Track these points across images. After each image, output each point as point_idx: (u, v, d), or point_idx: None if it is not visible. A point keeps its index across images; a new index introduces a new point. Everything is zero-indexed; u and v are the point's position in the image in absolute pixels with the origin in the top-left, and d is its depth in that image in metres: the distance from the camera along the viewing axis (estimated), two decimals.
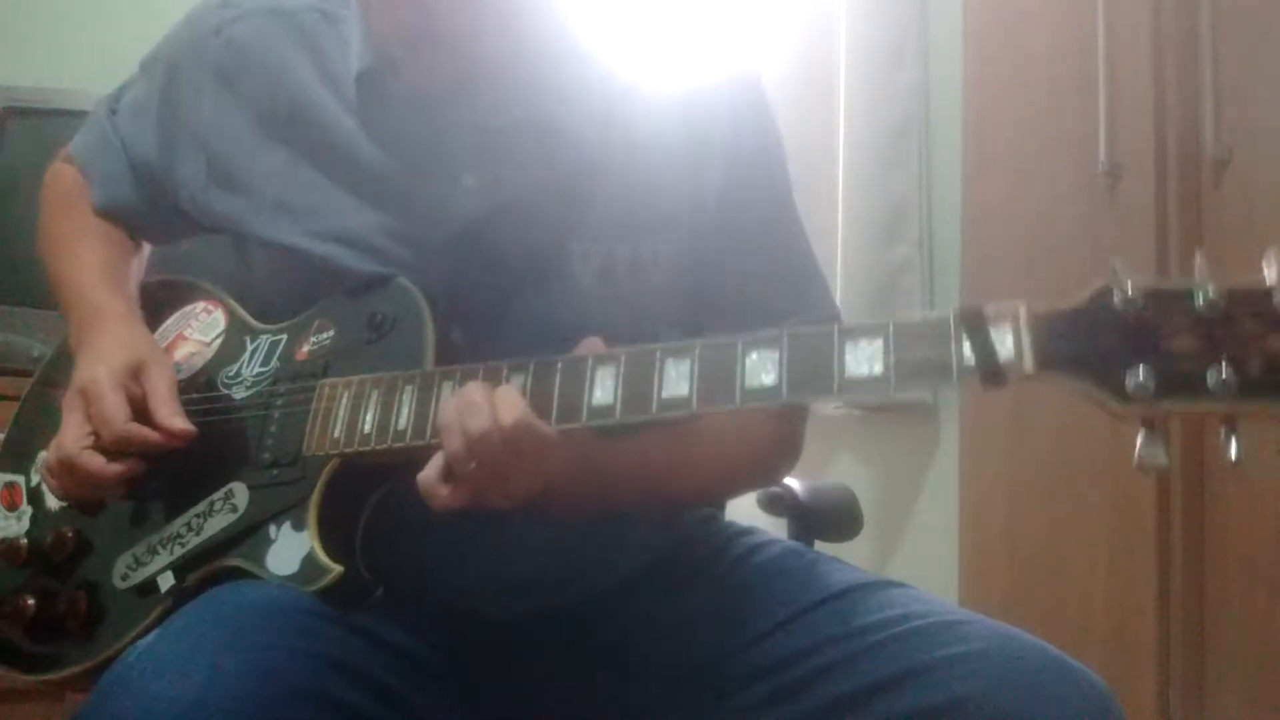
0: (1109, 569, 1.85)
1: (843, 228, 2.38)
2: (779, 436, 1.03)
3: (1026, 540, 2.05)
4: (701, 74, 1.04)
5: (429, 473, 0.82)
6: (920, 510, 2.39)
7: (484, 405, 0.80)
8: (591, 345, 0.84)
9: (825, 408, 2.30)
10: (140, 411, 0.94)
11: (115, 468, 0.93)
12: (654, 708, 0.93)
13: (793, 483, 1.23)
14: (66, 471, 0.94)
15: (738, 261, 1.01)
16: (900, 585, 0.90)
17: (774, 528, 1.13)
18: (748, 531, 1.06)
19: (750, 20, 2.49)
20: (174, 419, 0.93)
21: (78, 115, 1.97)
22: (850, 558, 0.99)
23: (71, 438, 0.93)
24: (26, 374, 1.75)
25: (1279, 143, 1.64)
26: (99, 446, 0.93)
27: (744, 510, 1.18)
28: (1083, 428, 1.86)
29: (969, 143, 2.30)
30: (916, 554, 2.36)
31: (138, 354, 0.97)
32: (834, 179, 2.40)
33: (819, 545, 1.16)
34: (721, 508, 1.16)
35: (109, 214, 1.11)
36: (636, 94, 1.01)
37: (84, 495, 0.97)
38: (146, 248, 1.15)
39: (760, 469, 1.07)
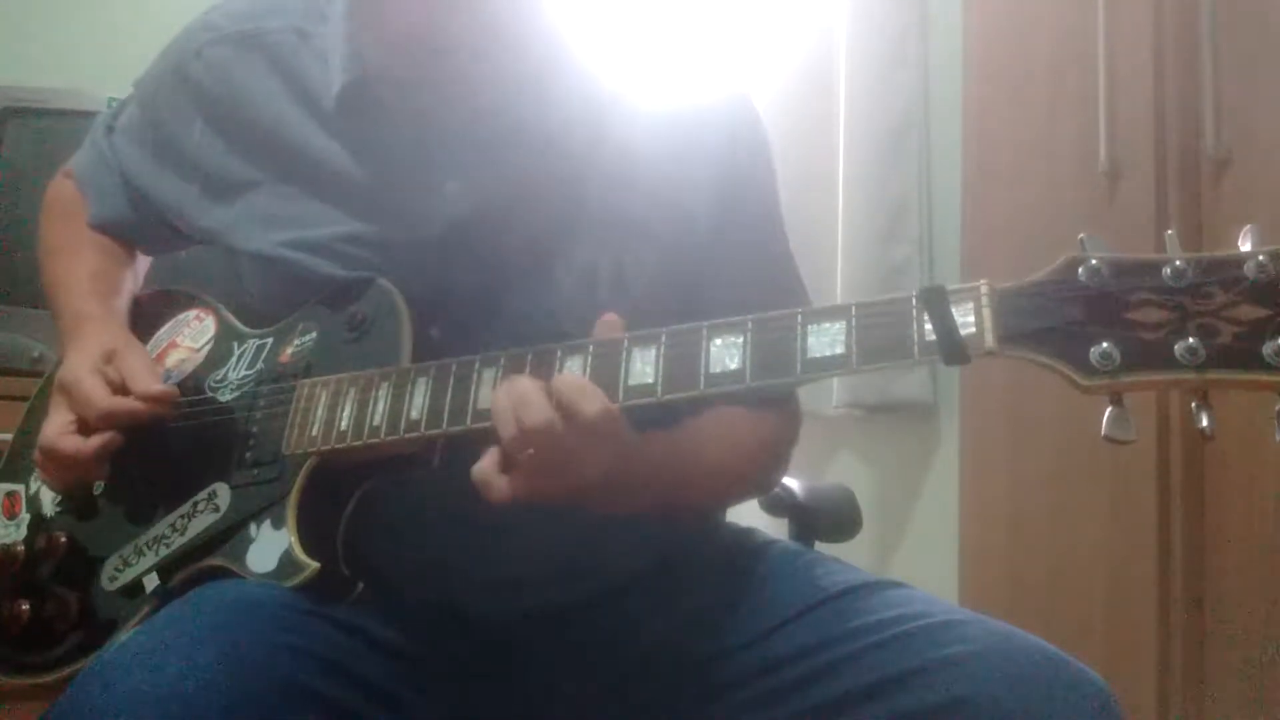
0: (1109, 569, 1.85)
1: (843, 228, 2.38)
2: (775, 442, 1.04)
3: (1027, 540, 2.05)
4: (693, 92, 1.06)
5: (484, 464, 0.82)
6: (920, 510, 2.39)
7: (538, 396, 0.79)
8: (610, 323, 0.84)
9: (825, 408, 2.30)
10: (120, 392, 0.96)
11: (92, 443, 0.95)
12: (651, 707, 0.93)
13: (793, 483, 1.24)
14: (48, 459, 0.97)
15: (726, 278, 1.01)
16: (900, 585, 0.90)
17: (774, 528, 1.13)
18: (747, 532, 1.06)
19: (751, 20, 2.49)
20: (152, 384, 0.96)
21: (78, 115, 1.99)
22: (850, 558, 0.99)
23: (54, 427, 0.97)
24: (26, 374, 1.76)
25: (1279, 143, 1.64)
26: (83, 431, 0.95)
27: (744, 511, 1.18)
28: (1083, 427, 1.85)
29: (969, 143, 2.30)
30: (916, 554, 2.36)
31: (109, 343, 1.00)
32: (834, 179, 2.40)
33: (819, 545, 1.16)
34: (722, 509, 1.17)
35: (103, 228, 1.14)
36: (624, 106, 1.02)
37: (69, 480, 0.99)
38: (144, 258, 1.18)
39: (756, 478, 1.08)
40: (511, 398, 0.80)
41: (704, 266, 1.01)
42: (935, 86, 2.42)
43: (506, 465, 0.81)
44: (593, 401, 0.79)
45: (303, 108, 1.01)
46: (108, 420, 0.95)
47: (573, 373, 0.82)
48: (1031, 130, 2.10)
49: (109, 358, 0.98)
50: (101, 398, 0.95)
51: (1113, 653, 1.78)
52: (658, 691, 0.93)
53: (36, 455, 0.98)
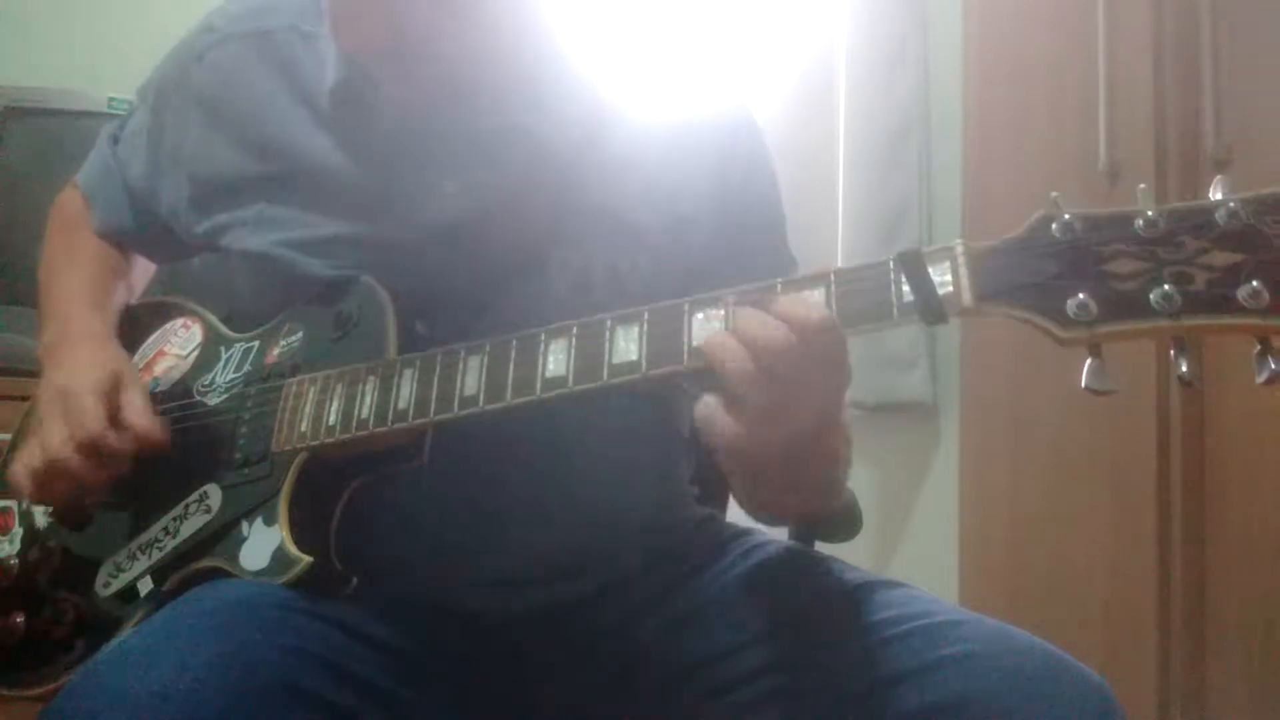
0: (1109, 569, 1.85)
1: (843, 228, 2.39)
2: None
3: (1027, 540, 2.05)
4: (690, 98, 1.07)
5: (710, 402, 0.76)
6: (920, 510, 2.39)
7: (766, 318, 0.74)
8: None
9: None
10: (115, 422, 0.95)
11: (107, 472, 0.94)
12: (649, 706, 0.93)
13: None
14: (52, 474, 0.95)
15: (725, 284, 1.01)
16: (900, 585, 0.90)
17: (774, 528, 1.13)
18: (747, 532, 1.06)
19: (752, 22, 2.49)
20: (149, 425, 0.95)
21: (78, 115, 1.99)
22: (850, 558, 0.99)
23: (56, 439, 0.94)
24: (27, 374, 1.75)
25: (1279, 143, 1.64)
26: (82, 449, 0.94)
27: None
28: (1083, 427, 1.86)
29: (969, 143, 2.30)
30: (916, 554, 2.36)
31: (111, 369, 0.99)
32: (834, 179, 2.40)
33: (819, 545, 1.16)
34: (722, 508, 1.17)
35: (107, 237, 1.15)
36: (621, 111, 1.03)
37: (67, 499, 0.98)
38: (139, 270, 1.18)
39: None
40: (736, 330, 0.75)
41: (701, 273, 1.01)
42: (935, 86, 2.42)
43: (730, 406, 0.75)
44: (814, 309, 0.74)
45: (302, 107, 1.01)
46: (94, 446, 0.94)
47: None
48: (1031, 130, 2.11)
49: (114, 382, 0.97)
50: (98, 421, 0.94)
51: (1113, 653, 1.79)
52: (655, 691, 0.93)
53: (36, 465, 0.95)
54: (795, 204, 1.11)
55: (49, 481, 0.96)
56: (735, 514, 1.16)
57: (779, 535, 1.09)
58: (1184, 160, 1.76)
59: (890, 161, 2.39)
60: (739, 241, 1.03)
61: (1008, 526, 2.11)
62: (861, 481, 1.10)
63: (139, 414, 0.96)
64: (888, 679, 0.80)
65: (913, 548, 2.38)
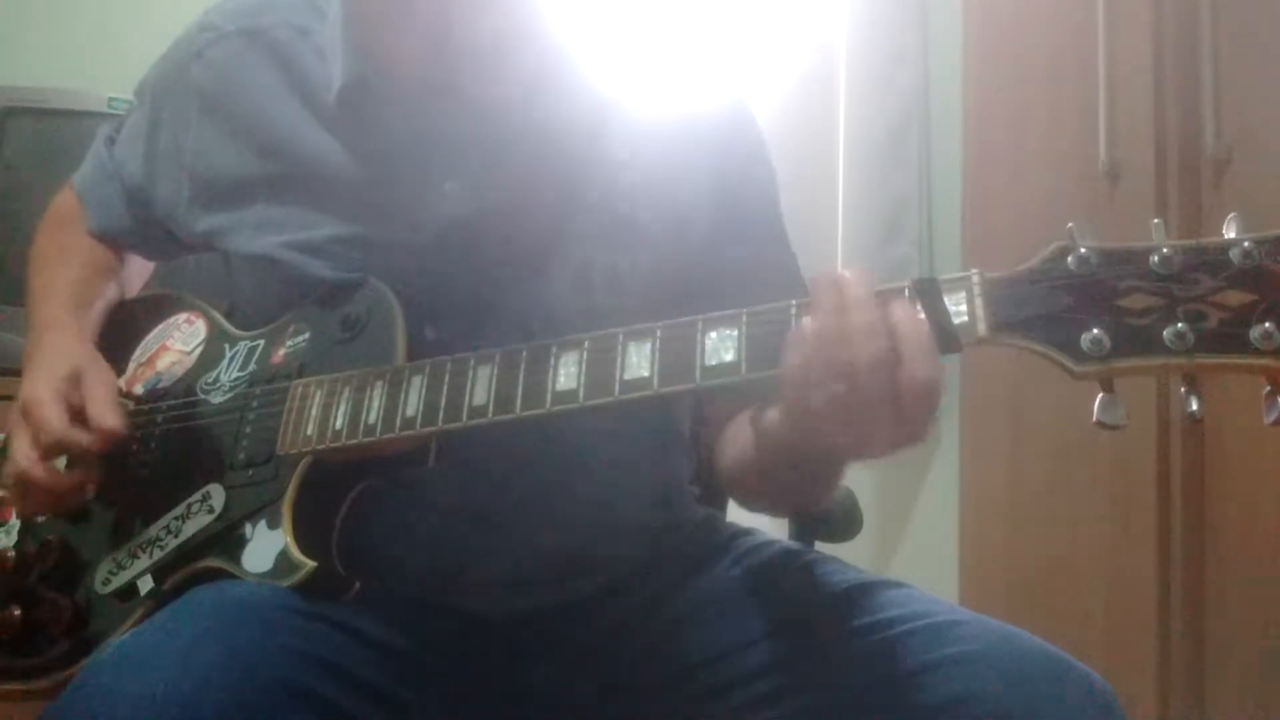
0: (1109, 569, 1.85)
1: (843, 228, 2.39)
2: None
3: (1027, 540, 2.05)
4: (689, 96, 1.06)
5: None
6: (920, 510, 2.39)
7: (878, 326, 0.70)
8: None
9: None
10: (79, 417, 0.96)
11: (72, 478, 0.95)
12: (650, 706, 0.93)
13: None
14: (19, 487, 0.95)
15: (723, 282, 1.01)
16: (900, 585, 0.90)
17: (774, 528, 1.13)
18: (747, 532, 1.06)
19: (752, 21, 2.50)
20: (106, 418, 0.95)
21: (78, 115, 1.99)
22: (850, 558, 0.99)
23: (20, 453, 0.95)
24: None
25: (1279, 143, 1.64)
26: (45, 456, 0.94)
27: (744, 510, 1.18)
28: (1083, 428, 1.85)
29: (969, 142, 2.30)
30: (916, 554, 2.36)
31: (75, 363, 0.99)
32: (834, 179, 2.40)
33: (819, 545, 1.16)
34: (722, 508, 1.17)
35: (103, 237, 1.14)
36: (621, 109, 1.02)
37: (45, 510, 0.99)
38: (134, 269, 1.18)
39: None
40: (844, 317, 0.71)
41: (700, 270, 1.01)
42: (935, 86, 2.42)
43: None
44: (932, 374, 0.70)
45: (303, 103, 1.01)
46: (58, 449, 0.94)
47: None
48: (1031, 130, 2.11)
49: (74, 379, 0.98)
50: (56, 425, 0.94)
51: (1113, 653, 1.79)
52: (656, 691, 0.93)
53: (9, 480, 0.96)
54: (795, 203, 1.10)
55: (23, 494, 0.96)
56: (735, 514, 1.17)
57: (779, 535, 1.09)
58: (1184, 160, 1.76)
59: (890, 160, 2.39)
60: (738, 237, 1.03)
61: (1008, 526, 2.11)
62: (861, 481, 1.10)
63: (99, 407, 0.96)
64: (888, 679, 0.80)
65: (913, 548, 2.38)
